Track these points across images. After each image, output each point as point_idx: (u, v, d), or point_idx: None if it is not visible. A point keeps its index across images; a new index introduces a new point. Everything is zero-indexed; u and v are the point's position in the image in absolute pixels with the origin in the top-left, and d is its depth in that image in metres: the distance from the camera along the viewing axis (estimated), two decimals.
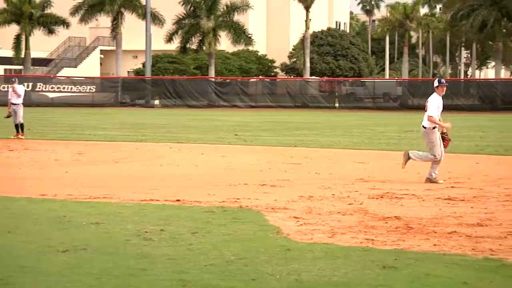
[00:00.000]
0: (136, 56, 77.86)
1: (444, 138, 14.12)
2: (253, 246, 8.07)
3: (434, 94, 14.03)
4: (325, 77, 74.60)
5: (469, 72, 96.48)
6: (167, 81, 61.08)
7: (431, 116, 13.88)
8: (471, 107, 54.60)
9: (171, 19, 63.60)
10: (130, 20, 65.77)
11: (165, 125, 33.95)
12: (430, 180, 13.84)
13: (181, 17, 63.97)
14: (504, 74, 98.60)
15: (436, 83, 14.14)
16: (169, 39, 64.06)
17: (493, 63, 79.15)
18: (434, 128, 13.92)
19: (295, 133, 28.38)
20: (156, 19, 63.65)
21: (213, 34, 62.99)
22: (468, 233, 8.89)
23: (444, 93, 14.05)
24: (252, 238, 8.52)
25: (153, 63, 66.57)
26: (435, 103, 13.91)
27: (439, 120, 14.08)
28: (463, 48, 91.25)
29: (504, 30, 63.88)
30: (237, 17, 64.14)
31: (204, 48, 64.03)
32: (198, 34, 63.94)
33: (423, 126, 14.06)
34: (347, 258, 7.51)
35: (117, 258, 7.50)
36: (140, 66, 72.13)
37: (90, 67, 78.51)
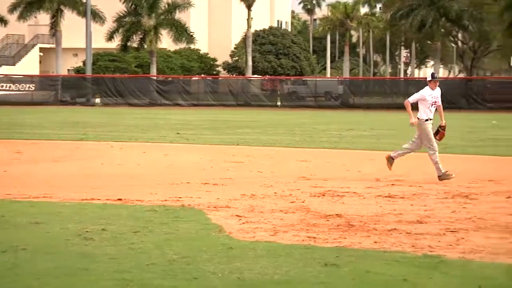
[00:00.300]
0: (76, 54, 77.00)
1: (438, 131, 14.47)
2: (195, 244, 8.06)
3: (426, 87, 14.49)
4: (267, 76, 74.79)
5: (409, 71, 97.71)
6: (108, 79, 60.53)
7: (407, 101, 14.48)
8: (411, 106, 55.25)
9: (112, 17, 63.05)
10: (70, 18, 64.98)
11: (106, 123, 33.65)
12: (443, 176, 13.90)
13: (122, 14, 63.44)
14: (442, 73, 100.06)
15: (429, 77, 14.68)
16: (110, 37, 63.47)
17: (432, 62, 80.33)
18: (426, 120, 14.28)
19: (237, 132, 28.39)
20: (97, 16, 63.01)
21: (155, 32, 62.62)
22: (408, 230, 9.02)
23: (436, 87, 14.41)
24: (194, 237, 8.51)
25: (93, 61, 65.89)
26: (419, 93, 14.46)
27: (441, 117, 14.60)
28: (402, 47, 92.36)
29: (443, 30, 64.80)
30: (178, 15, 63.86)
31: (146, 46, 63.61)
32: (139, 32, 63.47)
33: (417, 117, 14.45)
34: (289, 256, 7.55)
35: (58, 258, 7.42)
36: (81, 64, 71.36)
37: (29, 65, 77.38)
